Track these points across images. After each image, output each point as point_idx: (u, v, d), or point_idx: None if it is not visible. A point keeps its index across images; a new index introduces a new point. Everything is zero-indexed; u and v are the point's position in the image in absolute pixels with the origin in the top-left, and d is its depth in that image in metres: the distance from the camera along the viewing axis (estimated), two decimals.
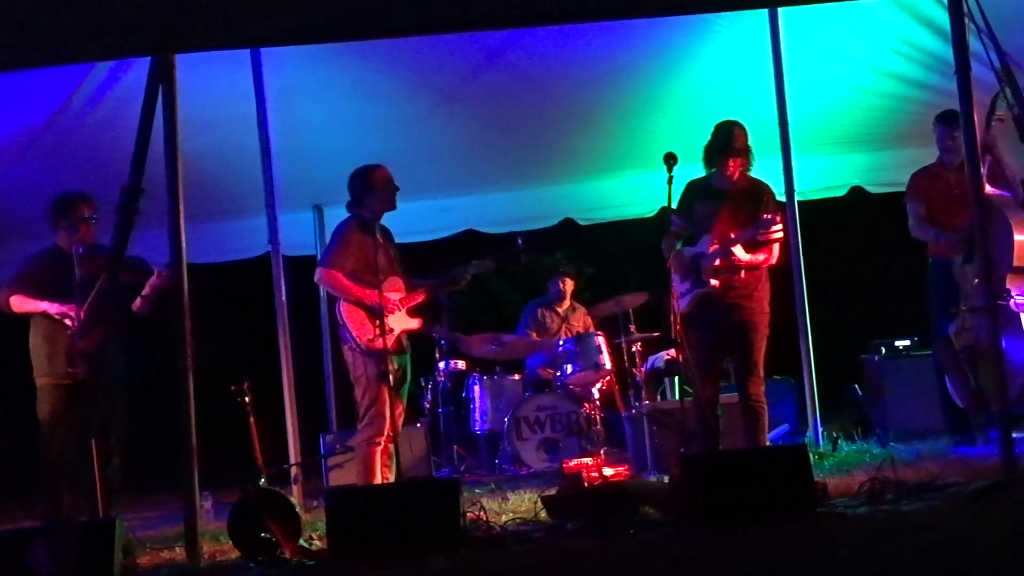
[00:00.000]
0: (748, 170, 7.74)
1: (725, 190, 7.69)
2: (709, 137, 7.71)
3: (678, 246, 7.80)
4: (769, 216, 7.50)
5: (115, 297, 5.79)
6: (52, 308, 7.42)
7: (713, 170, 7.73)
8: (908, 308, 9.51)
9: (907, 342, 9.95)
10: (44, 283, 7.57)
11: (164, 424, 5.85)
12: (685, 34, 8.94)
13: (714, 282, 7.56)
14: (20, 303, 7.57)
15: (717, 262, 7.54)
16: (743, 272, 7.58)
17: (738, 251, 7.51)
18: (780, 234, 7.63)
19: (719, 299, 7.60)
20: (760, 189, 7.81)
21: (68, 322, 7.34)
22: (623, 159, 10.96)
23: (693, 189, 7.75)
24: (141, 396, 7.97)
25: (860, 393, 9.70)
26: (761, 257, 7.65)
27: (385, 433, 7.66)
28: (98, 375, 5.72)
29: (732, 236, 7.52)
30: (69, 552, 5.15)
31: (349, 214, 7.82)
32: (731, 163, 7.62)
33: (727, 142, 7.61)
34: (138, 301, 7.61)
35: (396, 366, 7.62)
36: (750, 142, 7.69)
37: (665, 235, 7.72)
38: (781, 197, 8.97)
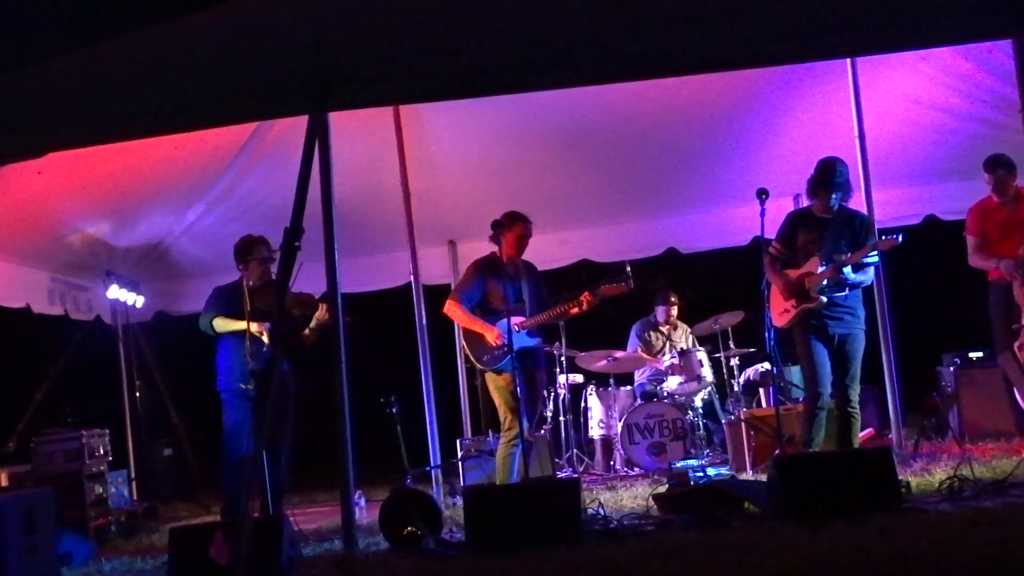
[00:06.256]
0: (846, 201, 7.65)
1: (827, 219, 7.60)
2: (813, 172, 7.62)
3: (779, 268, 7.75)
4: (886, 237, 7.43)
5: (282, 324, 5.85)
6: (253, 326, 7.57)
7: (815, 201, 7.66)
8: (979, 324, 9.29)
9: (979, 353, 9.73)
10: (228, 311, 7.76)
11: (324, 433, 5.91)
12: (772, 81, 8.85)
13: (823, 298, 7.47)
14: (222, 324, 7.76)
15: (825, 281, 7.45)
16: (847, 290, 7.49)
17: (847, 271, 7.42)
18: (876, 258, 7.58)
19: (824, 315, 7.52)
20: (860, 217, 7.75)
21: (265, 338, 7.46)
22: (719, 195, 10.88)
23: (796, 219, 7.74)
24: (308, 409, 8.10)
25: (940, 399, 9.50)
26: (865, 278, 7.58)
27: (517, 437, 7.65)
28: (266, 391, 5.80)
29: (844, 258, 7.42)
30: (243, 544, 5.21)
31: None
32: (832, 195, 7.53)
33: (830, 177, 7.53)
34: (306, 332, 7.74)
35: (512, 379, 7.60)
36: (849, 176, 7.63)
37: (766, 259, 7.65)
38: None
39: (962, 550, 4.57)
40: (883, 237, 7.48)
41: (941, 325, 13.83)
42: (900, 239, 7.32)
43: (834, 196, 7.53)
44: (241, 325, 7.59)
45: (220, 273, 8.97)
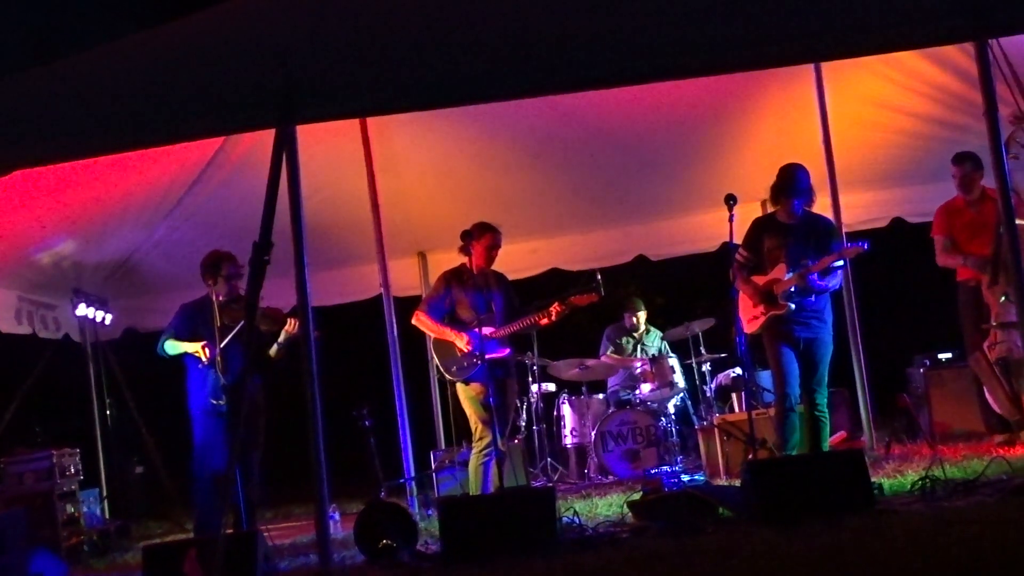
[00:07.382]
0: (810, 207, 7.65)
1: (791, 224, 7.61)
2: (775, 179, 7.63)
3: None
4: (851, 245, 7.47)
5: (252, 339, 5.81)
6: (191, 347, 7.60)
7: (778, 207, 7.67)
8: (947, 324, 9.35)
9: (948, 354, 9.77)
10: (193, 328, 7.71)
11: (297, 447, 5.89)
12: (737, 87, 8.88)
13: (791, 305, 7.48)
14: (172, 346, 7.76)
15: (793, 287, 7.48)
16: (814, 295, 7.51)
17: (814, 277, 7.44)
18: (843, 263, 7.57)
19: (792, 320, 7.52)
20: (825, 223, 7.76)
21: (204, 354, 7.46)
22: (688, 201, 10.90)
23: (760, 225, 7.75)
24: (281, 423, 8.06)
25: (910, 400, 9.55)
26: (832, 283, 7.58)
27: (488, 448, 7.65)
28: (238, 407, 5.77)
29: (810, 264, 7.42)
30: (217, 561, 5.17)
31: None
32: (795, 201, 7.54)
33: (791, 183, 7.53)
34: (274, 347, 7.70)
35: (482, 389, 7.64)
36: (811, 182, 7.62)
37: (732, 266, 7.66)
38: None
39: (935, 550, 4.60)
40: (848, 244, 7.51)
41: (910, 327, 13.91)
42: (865, 247, 7.35)
43: (796, 202, 7.55)
44: (187, 347, 7.62)
45: (189, 288, 8.90)
